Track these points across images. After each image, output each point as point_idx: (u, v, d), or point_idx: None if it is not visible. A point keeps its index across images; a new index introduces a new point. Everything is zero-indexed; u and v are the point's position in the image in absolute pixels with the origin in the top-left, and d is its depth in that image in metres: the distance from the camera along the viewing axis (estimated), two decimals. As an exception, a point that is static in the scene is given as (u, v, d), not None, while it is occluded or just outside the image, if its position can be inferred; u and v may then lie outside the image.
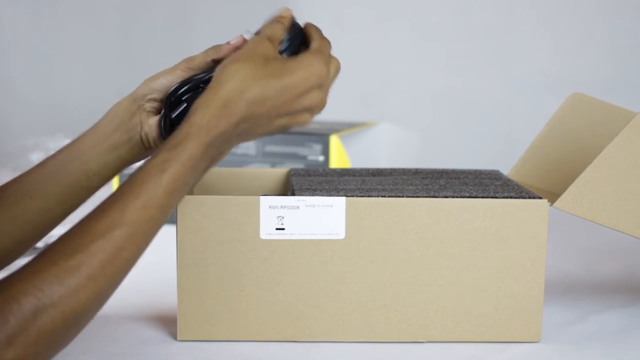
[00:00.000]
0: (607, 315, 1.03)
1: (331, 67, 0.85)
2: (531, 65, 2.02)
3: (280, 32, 0.84)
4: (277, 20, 0.86)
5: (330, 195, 0.92)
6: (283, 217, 0.91)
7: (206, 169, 0.81)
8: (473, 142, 2.07)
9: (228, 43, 0.89)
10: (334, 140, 1.52)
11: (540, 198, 0.93)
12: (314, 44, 0.86)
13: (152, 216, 0.76)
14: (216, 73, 0.81)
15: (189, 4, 2.26)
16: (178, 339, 0.93)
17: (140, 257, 0.78)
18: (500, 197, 0.93)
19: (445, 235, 0.92)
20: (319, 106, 0.84)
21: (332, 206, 0.92)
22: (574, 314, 1.03)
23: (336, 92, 2.42)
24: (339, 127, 1.64)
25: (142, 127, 0.90)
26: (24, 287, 0.70)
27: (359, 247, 0.92)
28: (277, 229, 0.92)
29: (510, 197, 0.93)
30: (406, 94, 2.11)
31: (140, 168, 0.78)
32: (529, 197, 0.93)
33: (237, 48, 0.88)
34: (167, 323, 0.98)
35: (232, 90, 0.79)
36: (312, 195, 0.92)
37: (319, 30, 0.88)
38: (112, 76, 2.32)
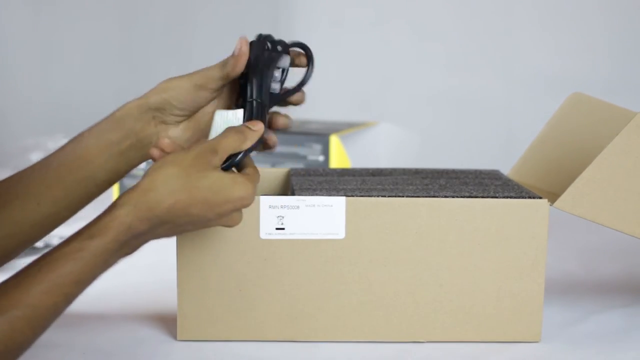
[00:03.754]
0: (607, 315, 1.03)
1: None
2: (531, 65, 2.02)
3: (234, 147, 0.83)
4: (239, 131, 0.85)
5: (330, 195, 0.92)
6: (283, 217, 0.91)
7: (115, 263, 0.81)
8: (473, 142, 2.07)
9: (233, 54, 0.88)
10: (334, 140, 1.52)
11: (540, 198, 0.93)
12: (251, 170, 0.85)
13: (55, 302, 0.76)
14: (150, 171, 0.81)
15: (189, 4, 2.26)
16: (178, 339, 0.93)
17: (33, 343, 0.76)
18: (500, 197, 0.93)
19: (445, 235, 0.92)
20: (232, 226, 0.85)
21: (332, 206, 0.92)
22: (574, 314, 1.03)
23: (336, 92, 2.43)
24: (339, 127, 1.64)
25: (158, 137, 0.90)
26: None
27: (359, 247, 0.92)
28: (277, 228, 0.92)
29: (510, 197, 0.93)
30: (406, 94, 2.11)
31: (52, 251, 0.77)
32: (529, 197, 0.93)
33: (244, 56, 0.88)
34: (167, 323, 0.98)
35: (160, 197, 0.79)
36: (312, 195, 0.92)
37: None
38: (112, 76, 2.32)
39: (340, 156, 1.53)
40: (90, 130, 0.91)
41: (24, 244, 0.91)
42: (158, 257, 1.28)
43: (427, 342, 0.94)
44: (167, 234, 0.83)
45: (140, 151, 0.91)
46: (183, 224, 0.81)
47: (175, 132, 0.91)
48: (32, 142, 1.93)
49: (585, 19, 1.98)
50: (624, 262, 1.28)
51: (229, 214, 0.83)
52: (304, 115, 2.07)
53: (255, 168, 0.86)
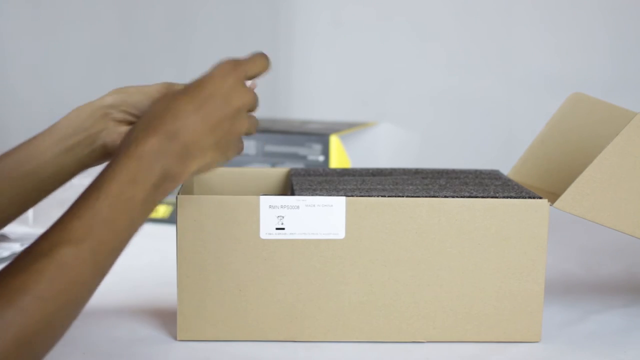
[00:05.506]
0: (607, 315, 1.03)
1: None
2: (531, 65, 2.02)
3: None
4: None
5: (330, 195, 0.92)
6: (283, 217, 0.91)
7: (156, 184, 0.77)
8: (473, 142, 2.07)
9: None
10: (334, 140, 1.52)
11: (540, 198, 0.93)
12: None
13: (98, 233, 0.74)
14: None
15: (189, 4, 2.26)
16: (178, 339, 0.93)
17: (96, 276, 0.75)
18: (500, 197, 0.93)
19: (445, 235, 0.92)
20: (248, 101, 0.82)
21: (332, 206, 0.92)
22: (574, 314, 1.03)
23: (336, 92, 2.42)
24: (339, 127, 1.64)
25: (108, 134, 0.91)
26: None
27: (359, 247, 0.92)
28: (277, 228, 0.92)
29: (510, 197, 0.93)
30: (406, 94, 2.11)
31: (85, 188, 0.77)
32: (529, 197, 0.93)
33: None
34: (167, 323, 0.98)
35: (155, 110, 0.79)
36: (312, 195, 0.92)
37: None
38: (112, 76, 2.32)
39: (340, 156, 1.53)
40: (46, 129, 0.92)
41: None
42: (158, 257, 1.28)
43: (427, 342, 0.94)
44: (196, 148, 0.79)
45: (89, 147, 0.92)
46: (197, 128, 0.79)
47: (125, 130, 0.91)
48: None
49: (585, 19, 1.98)
50: (624, 262, 1.28)
51: (230, 90, 0.81)
52: (304, 115, 2.07)
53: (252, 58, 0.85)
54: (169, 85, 0.92)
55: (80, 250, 0.73)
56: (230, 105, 0.81)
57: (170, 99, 0.80)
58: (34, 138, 0.92)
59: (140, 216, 0.77)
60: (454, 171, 1.07)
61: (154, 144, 0.77)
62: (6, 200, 0.90)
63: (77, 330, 0.95)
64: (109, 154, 0.92)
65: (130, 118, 0.92)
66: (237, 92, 0.81)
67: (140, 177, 0.76)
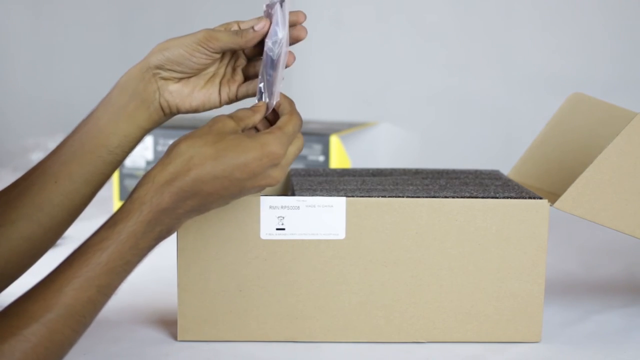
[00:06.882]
0: (607, 315, 1.03)
1: (292, 147, 0.84)
2: (531, 65, 2.02)
3: (252, 121, 0.84)
4: (255, 110, 0.85)
5: (331, 196, 0.92)
6: (283, 217, 0.91)
7: (152, 246, 0.79)
8: (473, 142, 2.07)
9: (253, 29, 0.87)
10: (334, 140, 1.52)
11: (541, 198, 0.93)
12: (280, 120, 0.84)
13: (90, 297, 0.75)
14: (168, 148, 0.80)
15: (189, 4, 2.26)
16: (178, 339, 0.93)
17: (76, 340, 0.76)
18: (500, 197, 0.93)
19: (445, 235, 0.92)
20: (273, 184, 0.82)
21: (332, 206, 0.92)
22: (574, 314, 1.03)
23: (336, 92, 2.43)
24: (339, 127, 1.64)
25: (160, 94, 0.89)
26: None
27: (359, 247, 0.92)
28: (277, 229, 0.92)
29: (510, 197, 0.93)
30: (406, 94, 2.11)
31: (80, 246, 0.76)
32: (529, 197, 0.93)
33: (263, 35, 0.87)
34: (167, 323, 0.98)
35: (179, 167, 0.78)
36: (312, 195, 0.92)
37: (291, 104, 0.86)
38: (112, 75, 2.32)
39: (340, 156, 1.53)
40: (99, 102, 0.91)
41: (53, 230, 0.90)
42: (158, 257, 1.28)
43: (427, 342, 0.94)
44: (202, 207, 0.81)
45: (147, 111, 0.90)
46: (215, 193, 0.80)
47: (175, 87, 0.90)
48: (32, 142, 1.93)
49: (585, 19, 1.98)
50: (624, 262, 1.28)
51: (263, 172, 0.80)
52: (304, 115, 2.07)
53: (290, 116, 0.84)
54: (209, 33, 0.88)
55: (71, 314, 0.74)
56: (258, 184, 0.82)
57: (201, 181, 0.79)
58: (92, 113, 0.90)
59: (128, 274, 0.79)
60: (454, 171, 1.07)
61: (169, 209, 0.79)
62: (79, 180, 0.89)
63: (77, 331, 0.95)
64: (165, 115, 0.90)
65: (176, 75, 0.90)
66: (268, 176, 0.82)
67: (143, 243, 0.78)
